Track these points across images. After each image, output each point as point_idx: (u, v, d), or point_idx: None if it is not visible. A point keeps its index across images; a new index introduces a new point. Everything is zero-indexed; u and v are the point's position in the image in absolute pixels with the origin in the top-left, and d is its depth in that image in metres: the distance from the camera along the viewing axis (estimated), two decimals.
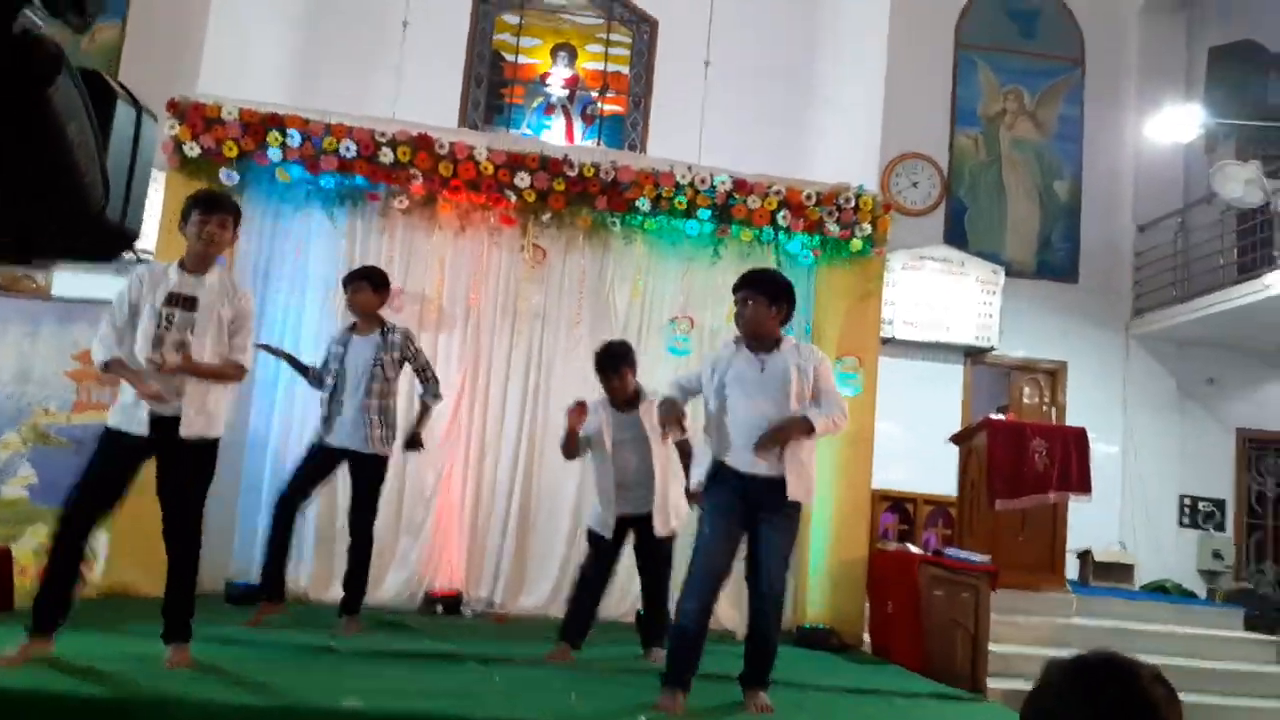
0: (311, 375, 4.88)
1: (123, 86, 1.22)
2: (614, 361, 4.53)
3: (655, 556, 4.56)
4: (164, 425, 3.49)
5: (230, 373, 3.70)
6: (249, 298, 3.83)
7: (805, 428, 3.66)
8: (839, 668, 5.04)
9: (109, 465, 3.50)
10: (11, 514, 5.29)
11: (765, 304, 3.79)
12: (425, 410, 5.01)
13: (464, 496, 6.02)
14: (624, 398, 4.56)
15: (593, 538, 4.65)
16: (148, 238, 5.96)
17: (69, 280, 7.83)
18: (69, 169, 1.12)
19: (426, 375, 4.96)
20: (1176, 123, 9.30)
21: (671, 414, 3.91)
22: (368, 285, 4.85)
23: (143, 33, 8.53)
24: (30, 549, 4.97)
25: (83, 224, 1.21)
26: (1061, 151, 10.08)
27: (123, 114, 1.25)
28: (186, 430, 3.48)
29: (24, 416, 5.42)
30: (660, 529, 4.47)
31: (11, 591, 4.63)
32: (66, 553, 3.41)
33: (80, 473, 3.50)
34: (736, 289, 3.86)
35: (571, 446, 4.57)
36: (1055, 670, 1.49)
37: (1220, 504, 9.62)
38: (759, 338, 3.81)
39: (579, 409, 4.47)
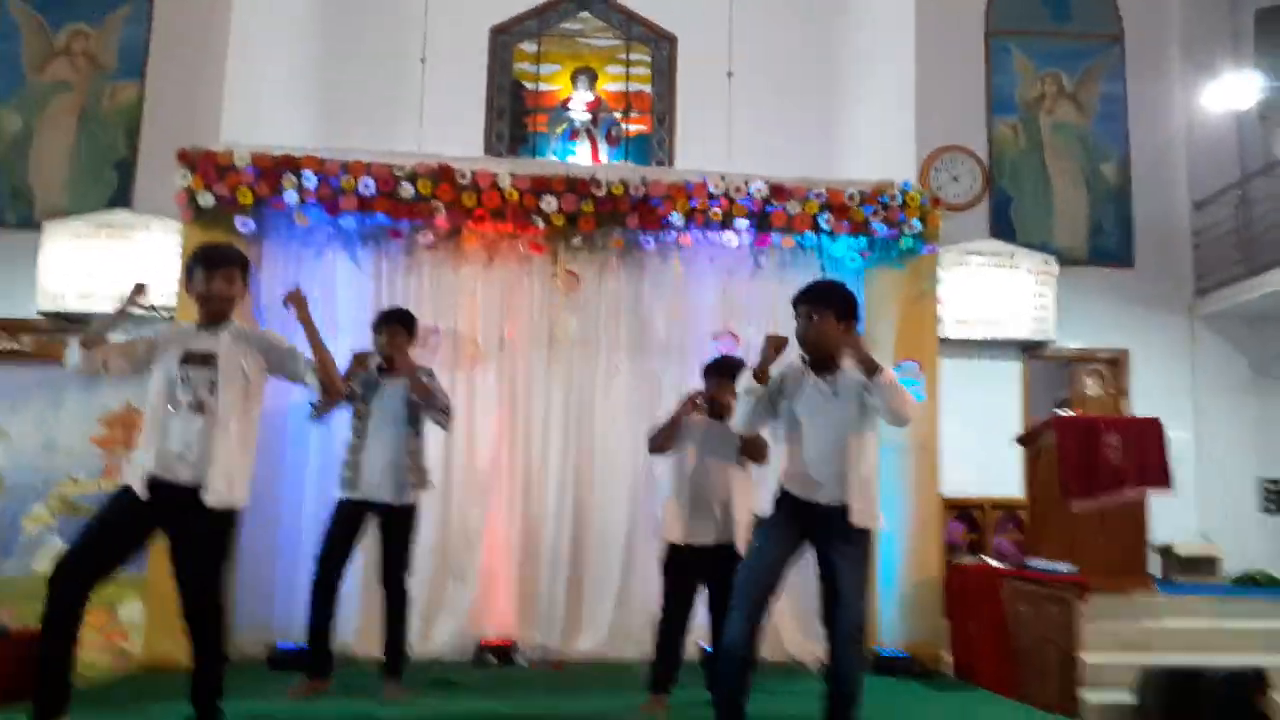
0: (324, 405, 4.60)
1: None
2: (731, 368, 4.33)
3: (727, 589, 4.23)
4: (177, 494, 3.25)
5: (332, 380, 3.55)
6: (267, 333, 3.66)
7: (870, 361, 3.39)
8: (926, 698, 4.70)
9: (109, 525, 3.25)
10: (43, 590, 5.12)
11: (833, 319, 3.49)
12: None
13: (510, 538, 5.80)
14: (727, 409, 4.34)
15: (668, 566, 4.39)
16: (168, 296, 5.85)
17: None
18: None
19: (439, 413, 4.62)
20: (1231, 91, 8.90)
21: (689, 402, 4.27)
22: (403, 330, 4.62)
23: (162, 89, 8.45)
24: None
25: None
26: (1106, 132, 9.68)
27: None
28: (213, 498, 3.24)
29: (51, 488, 5.28)
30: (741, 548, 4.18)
31: None
32: (58, 624, 3.16)
33: (78, 531, 3.25)
34: (798, 303, 3.54)
35: (670, 434, 4.40)
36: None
37: None
38: (823, 357, 3.51)
39: (695, 399, 4.38)
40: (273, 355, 3.52)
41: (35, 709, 3.11)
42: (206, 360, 3.35)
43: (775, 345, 3.46)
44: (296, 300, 3.66)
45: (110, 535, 3.24)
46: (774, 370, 3.51)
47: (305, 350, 3.57)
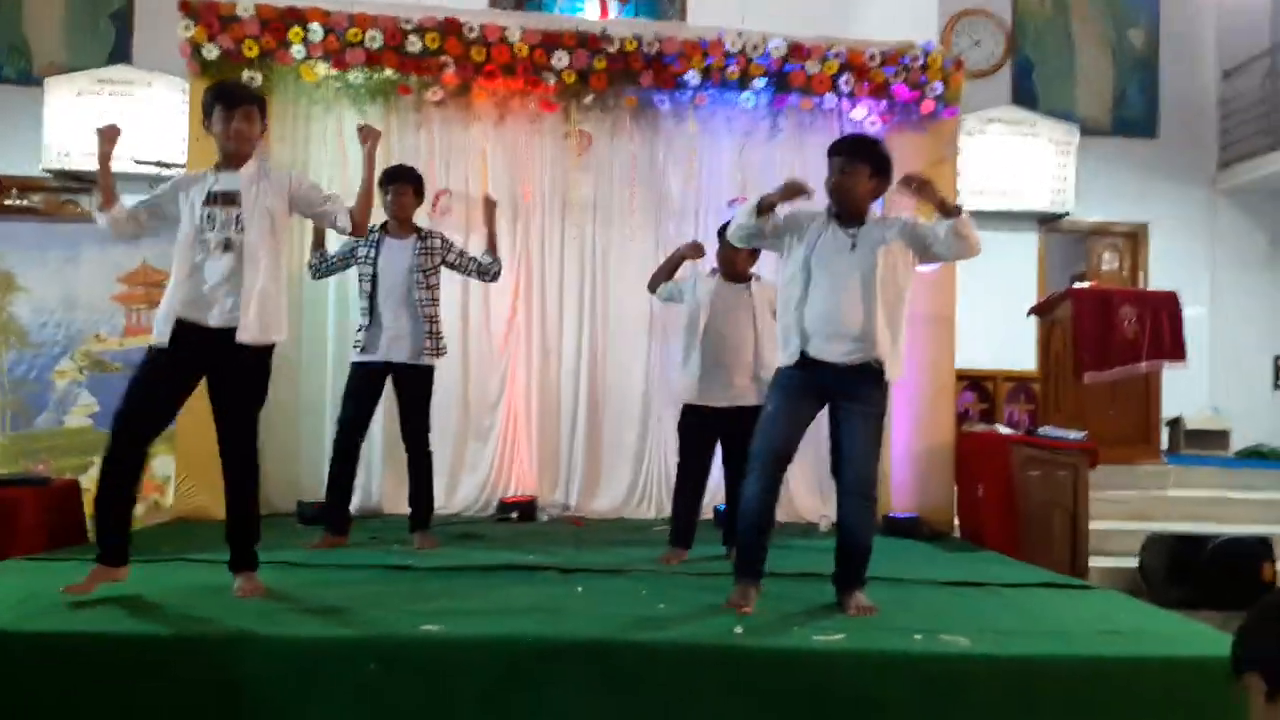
0: (318, 260, 4.64)
1: None
2: None
3: (742, 450, 4.26)
4: (212, 336, 3.25)
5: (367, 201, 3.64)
6: (292, 175, 3.59)
7: (949, 203, 3.33)
8: (934, 557, 4.78)
9: (152, 382, 3.25)
10: (77, 443, 5.24)
11: (866, 174, 3.43)
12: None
13: (530, 399, 5.84)
14: (739, 271, 4.32)
15: (684, 427, 4.41)
16: (179, 152, 5.74)
17: None
18: None
19: (478, 264, 4.64)
20: None
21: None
22: (410, 188, 4.55)
23: None
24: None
25: None
26: None
27: None
28: (248, 335, 3.23)
29: (76, 344, 5.31)
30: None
31: (83, 523, 4.54)
32: (116, 478, 3.20)
33: (124, 392, 3.26)
34: (834, 152, 3.48)
35: (668, 272, 4.46)
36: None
37: None
38: (850, 210, 3.44)
39: (697, 245, 4.48)
40: (298, 196, 3.47)
41: (100, 551, 3.20)
42: (230, 199, 3.29)
43: (792, 189, 3.42)
44: (371, 134, 3.73)
45: (155, 392, 3.24)
46: (785, 208, 3.49)
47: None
